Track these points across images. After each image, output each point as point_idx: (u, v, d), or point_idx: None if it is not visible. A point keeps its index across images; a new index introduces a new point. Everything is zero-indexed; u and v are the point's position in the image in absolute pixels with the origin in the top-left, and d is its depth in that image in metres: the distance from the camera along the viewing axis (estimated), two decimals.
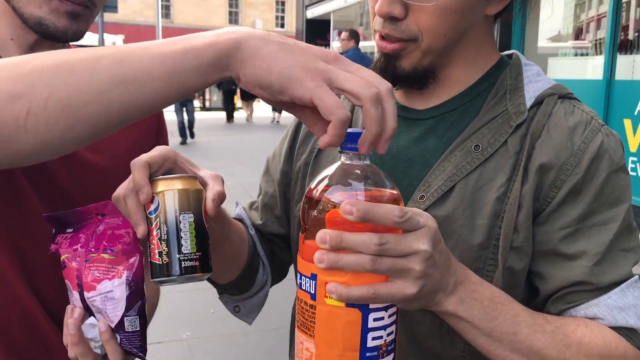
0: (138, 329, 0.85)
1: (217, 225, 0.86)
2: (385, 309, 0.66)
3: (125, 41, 30.40)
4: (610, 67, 5.95)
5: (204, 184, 0.78)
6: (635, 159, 5.60)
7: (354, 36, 7.86)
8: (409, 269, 0.64)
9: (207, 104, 21.86)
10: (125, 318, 0.84)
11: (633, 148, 5.62)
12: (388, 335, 0.67)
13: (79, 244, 0.86)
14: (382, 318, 0.66)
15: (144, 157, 0.75)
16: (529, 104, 0.86)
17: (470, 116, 0.89)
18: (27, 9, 0.91)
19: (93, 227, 0.87)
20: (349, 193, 0.65)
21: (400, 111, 0.94)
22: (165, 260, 0.74)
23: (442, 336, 0.85)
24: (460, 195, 0.84)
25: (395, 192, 0.68)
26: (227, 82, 18.72)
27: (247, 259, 0.98)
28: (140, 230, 0.73)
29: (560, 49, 7.09)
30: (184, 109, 12.17)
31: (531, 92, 0.87)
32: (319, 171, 0.81)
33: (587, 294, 0.80)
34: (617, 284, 0.80)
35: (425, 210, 0.84)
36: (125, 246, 0.85)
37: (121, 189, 0.75)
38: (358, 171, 0.67)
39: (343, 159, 0.68)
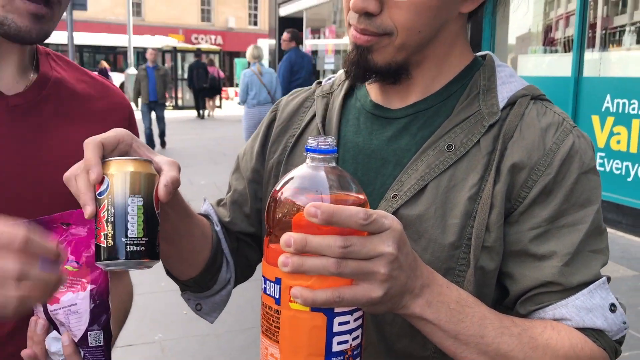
0: (102, 343, 0.83)
1: (176, 215, 0.84)
2: (351, 312, 0.65)
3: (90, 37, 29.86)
4: (578, 64, 6.05)
5: (159, 170, 0.76)
6: (603, 154, 5.72)
7: (295, 37, 7.95)
8: (374, 271, 0.64)
9: (180, 102, 21.68)
10: (88, 332, 0.82)
11: (601, 144, 5.73)
12: (354, 339, 0.66)
13: None
14: (348, 322, 0.65)
15: (98, 137, 0.73)
16: (502, 104, 0.86)
17: (443, 116, 0.88)
18: None
19: (57, 238, 0.84)
20: (314, 196, 0.64)
21: (374, 109, 0.93)
22: (109, 243, 0.71)
23: (413, 337, 0.84)
24: (433, 195, 0.83)
25: (361, 196, 0.67)
26: (197, 80, 18.63)
27: (209, 255, 0.96)
28: (88, 211, 0.71)
29: (530, 47, 7.19)
30: (152, 112, 10.98)
31: (504, 93, 0.87)
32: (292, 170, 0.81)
33: (555, 295, 0.80)
34: (585, 284, 0.80)
35: (397, 209, 0.84)
36: (89, 258, 0.83)
37: (72, 169, 0.74)
38: (323, 174, 0.66)
39: (308, 161, 0.67)
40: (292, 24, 15.00)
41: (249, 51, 7.77)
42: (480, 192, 0.82)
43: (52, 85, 1.01)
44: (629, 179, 5.46)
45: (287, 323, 0.64)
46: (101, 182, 0.72)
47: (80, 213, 0.82)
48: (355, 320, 0.66)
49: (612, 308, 0.80)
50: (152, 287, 4.17)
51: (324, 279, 0.62)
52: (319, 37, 14.14)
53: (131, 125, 1.13)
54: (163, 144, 11.29)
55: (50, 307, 0.82)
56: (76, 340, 0.82)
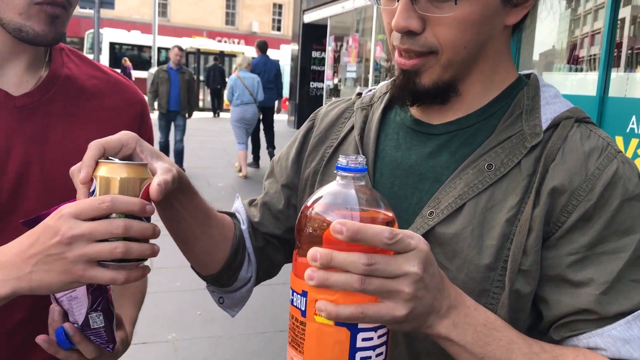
0: (103, 324, 0.87)
1: (191, 218, 0.89)
2: (375, 329, 0.66)
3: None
4: (604, 83, 6.00)
5: (154, 173, 0.79)
6: None
7: (259, 47, 9.82)
8: (398, 290, 0.64)
9: (201, 104, 21.84)
10: (89, 316, 0.86)
11: None
12: (377, 356, 0.67)
13: None
14: (372, 338, 0.66)
15: (102, 140, 0.78)
16: (545, 125, 0.84)
17: (484, 135, 0.87)
18: (6, 15, 0.90)
19: None
20: (345, 212, 0.66)
21: (414, 125, 0.93)
22: None
23: (445, 355, 0.84)
24: (470, 214, 0.82)
25: (389, 214, 0.69)
26: (213, 82, 18.94)
27: (228, 255, 0.98)
28: None
29: (555, 65, 7.15)
30: (173, 124, 8.76)
31: (548, 114, 0.86)
32: (328, 180, 0.81)
33: (591, 323, 0.78)
34: (623, 314, 0.77)
35: (433, 226, 0.83)
36: None
37: (76, 165, 0.78)
38: (353, 191, 0.67)
39: (339, 179, 0.68)
40: (315, 31, 15.08)
41: (237, 60, 9.14)
42: (519, 215, 0.80)
43: (61, 84, 1.01)
44: None
45: (312, 335, 0.66)
46: (92, 182, 0.76)
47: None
48: (379, 337, 0.66)
49: None
50: (167, 286, 4.20)
51: (348, 295, 0.63)
52: (341, 46, 14.17)
53: (143, 122, 1.13)
54: (179, 161, 8.69)
55: (57, 296, 0.86)
56: (80, 324, 0.86)
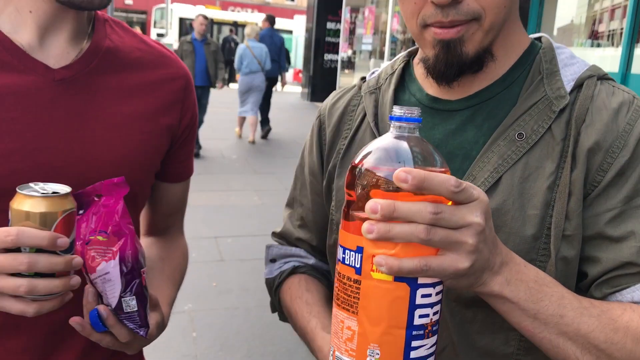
0: (136, 308, 0.86)
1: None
2: (433, 285, 0.63)
3: (135, 4, 29.87)
4: (627, 59, 5.88)
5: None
6: None
7: (269, 20, 10.37)
8: (462, 241, 0.63)
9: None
10: (122, 299, 0.85)
11: None
12: (434, 314, 0.65)
13: (82, 226, 0.87)
14: (430, 295, 0.63)
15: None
16: (568, 87, 0.84)
17: (508, 104, 0.85)
18: None
19: (92, 209, 0.87)
20: (397, 168, 0.62)
21: (433, 103, 0.91)
22: None
23: (495, 334, 0.83)
24: (509, 186, 0.81)
25: (445, 168, 0.66)
26: (227, 53, 19.09)
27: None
28: None
29: (576, 39, 7.01)
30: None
31: (569, 76, 0.85)
32: (345, 175, 0.82)
33: (634, 277, 0.77)
34: None
35: None
36: (114, 227, 0.85)
37: None
38: (407, 145, 0.64)
39: (393, 130, 0.65)
40: (330, 2, 14.86)
41: (246, 30, 9.54)
42: (557, 181, 0.80)
43: (103, 56, 0.99)
44: None
45: (367, 293, 0.62)
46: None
47: (108, 183, 0.86)
48: (437, 294, 0.64)
49: None
50: None
51: (408, 248, 0.61)
52: (357, 17, 13.98)
53: (187, 97, 1.10)
54: (198, 150, 7.85)
55: (91, 277, 0.85)
56: (113, 307, 0.85)
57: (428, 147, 0.66)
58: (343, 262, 0.65)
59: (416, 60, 0.96)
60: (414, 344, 0.63)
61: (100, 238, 0.85)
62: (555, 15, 7.09)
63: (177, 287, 1.17)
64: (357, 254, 0.62)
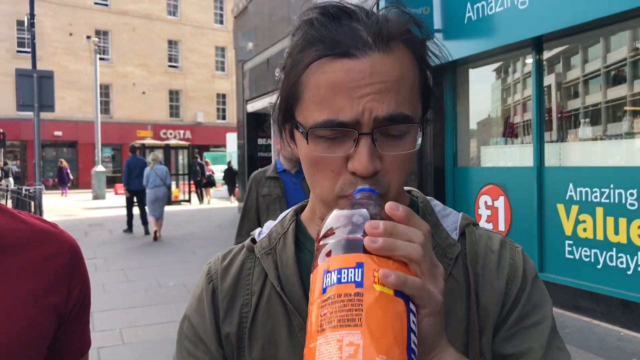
0: None
1: None
2: (415, 321, 0.67)
3: (64, 135, 29.73)
4: (539, 154, 6.24)
5: None
6: (571, 242, 5.77)
7: (131, 149, 13.95)
8: (440, 274, 0.69)
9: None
10: None
11: (568, 232, 5.80)
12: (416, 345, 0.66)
13: None
14: (416, 325, 0.66)
15: None
16: (454, 235, 0.89)
17: None
18: None
19: None
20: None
21: None
22: None
23: None
24: None
25: None
26: (193, 174, 19.07)
27: None
28: None
29: (492, 139, 7.42)
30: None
31: (449, 225, 0.91)
32: (258, 340, 0.82)
33: None
34: None
35: None
36: None
37: None
38: (365, 211, 0.70)
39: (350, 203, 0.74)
40: (259, 119, 15.33)
41: (149, 157, 13.12)
42: (470, 323, 0.84)
43: None
44: (599, 266, 5.49)
45: (372, 304, 0.63)
46: None
47: None
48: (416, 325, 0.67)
49: None
50: None
51: (404, 269, 0.66)
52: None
53: (74, 272, 1.07)
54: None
55: None
56: None
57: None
58: (339, 282, 0.65)
59: (307, 217, 0.95)
60: None
61: None
62: (469, 110, 7.50)
63: None
64: (356, 270, 0.65)
